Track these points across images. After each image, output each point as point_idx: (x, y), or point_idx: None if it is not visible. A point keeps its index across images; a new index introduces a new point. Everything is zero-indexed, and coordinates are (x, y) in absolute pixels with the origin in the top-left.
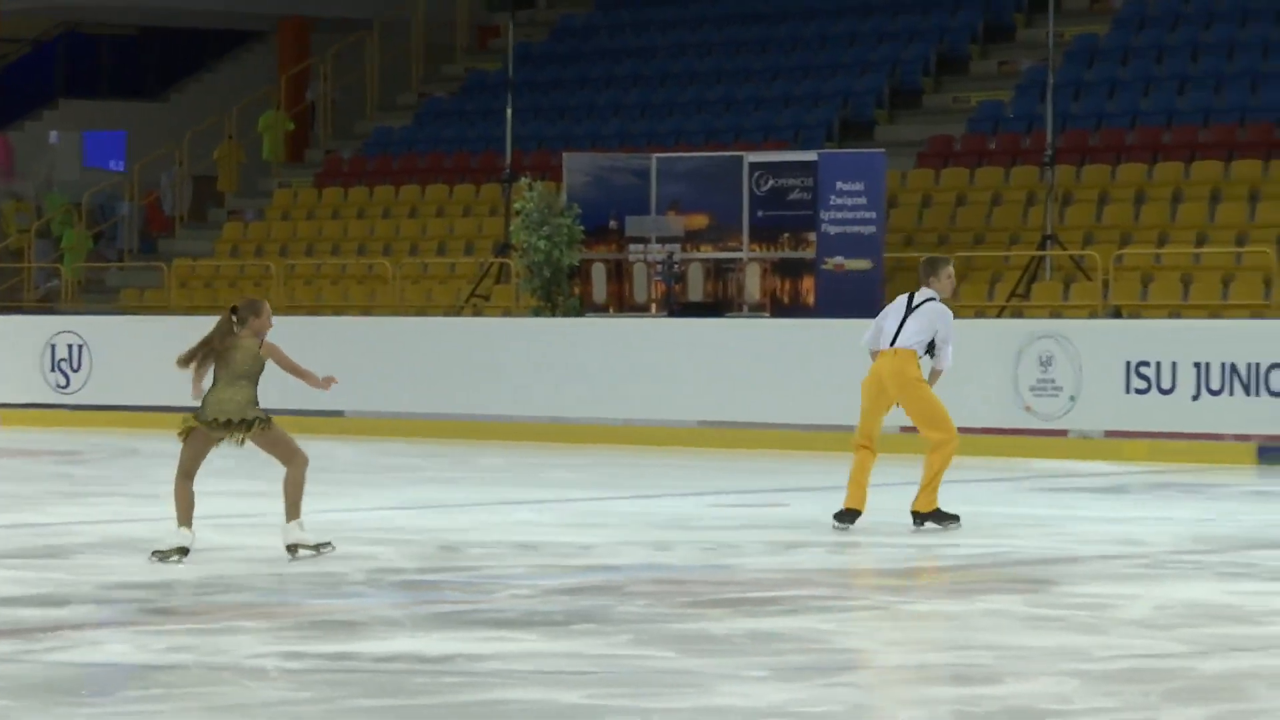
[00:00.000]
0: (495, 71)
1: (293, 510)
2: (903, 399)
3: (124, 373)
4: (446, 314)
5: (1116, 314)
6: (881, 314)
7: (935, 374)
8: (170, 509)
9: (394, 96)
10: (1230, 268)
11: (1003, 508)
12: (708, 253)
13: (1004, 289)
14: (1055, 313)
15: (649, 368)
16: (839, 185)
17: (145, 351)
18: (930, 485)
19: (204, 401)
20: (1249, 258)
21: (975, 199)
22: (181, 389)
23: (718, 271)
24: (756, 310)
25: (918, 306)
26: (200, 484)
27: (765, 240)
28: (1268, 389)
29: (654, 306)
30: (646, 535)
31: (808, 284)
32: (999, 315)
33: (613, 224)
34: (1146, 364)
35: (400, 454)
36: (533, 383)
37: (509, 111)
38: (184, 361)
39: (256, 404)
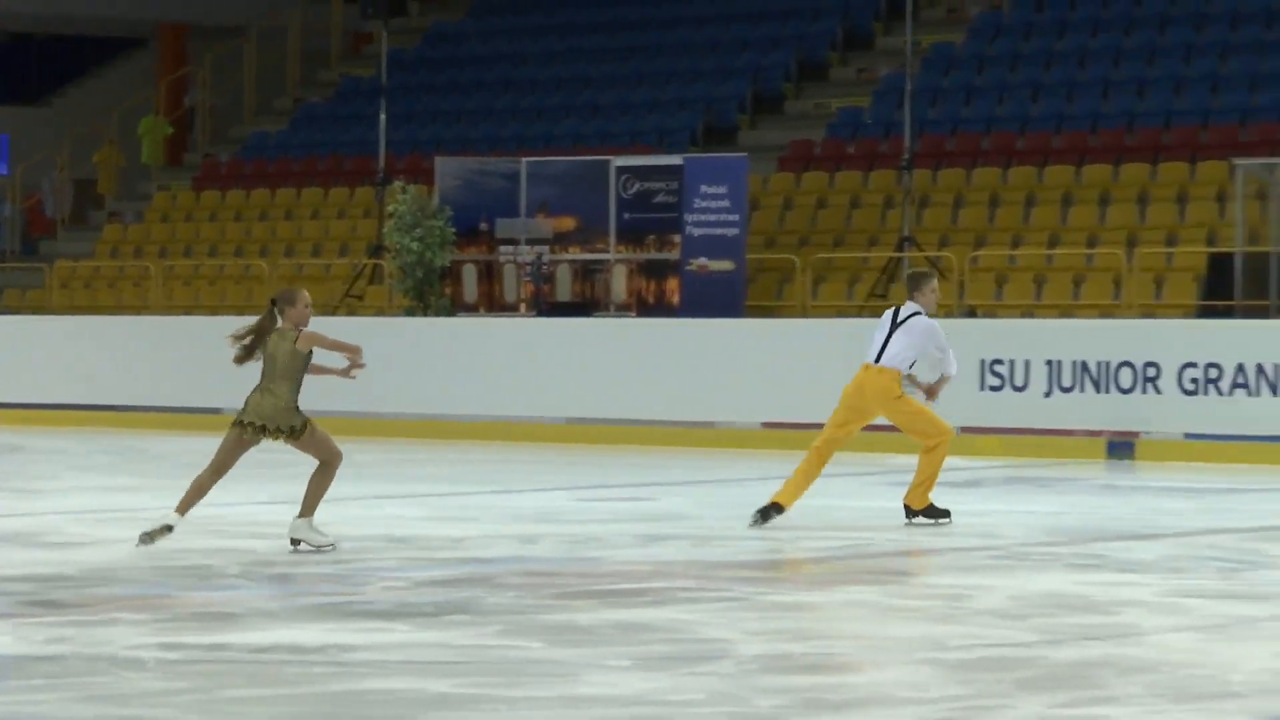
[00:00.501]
0: (369, 77)
1: (308, 507)
2: (890, 416)
3: (6, 371)
4: (321, 314)
5: (971, 313)
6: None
7: (944, 380)
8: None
9: (270, 102)
10: (1081, 269)
11: (862, 502)
12: (575, 254)
13: (863, 289)
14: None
15: (518, 366)
16: (703, 188)
17: (27, 350)
18: (923, 483)
19: (247, 401)
20: (1099, 259)
21: (835, 202)
22: (68, 388)
23: (585, 272)
24: (623, 310)
25: (903, 321)
26: (82, 479)
27: (631, 242)
28: (1117, 386)
29: (523, 306)
30: (515, 529)
31: (672, 284)
32: (858, 315)
33: (483, 226)
34: (1000, 362)
35: (276, 450)
36: (405, 381)
37: (382, 116)
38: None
39: (296, 407)
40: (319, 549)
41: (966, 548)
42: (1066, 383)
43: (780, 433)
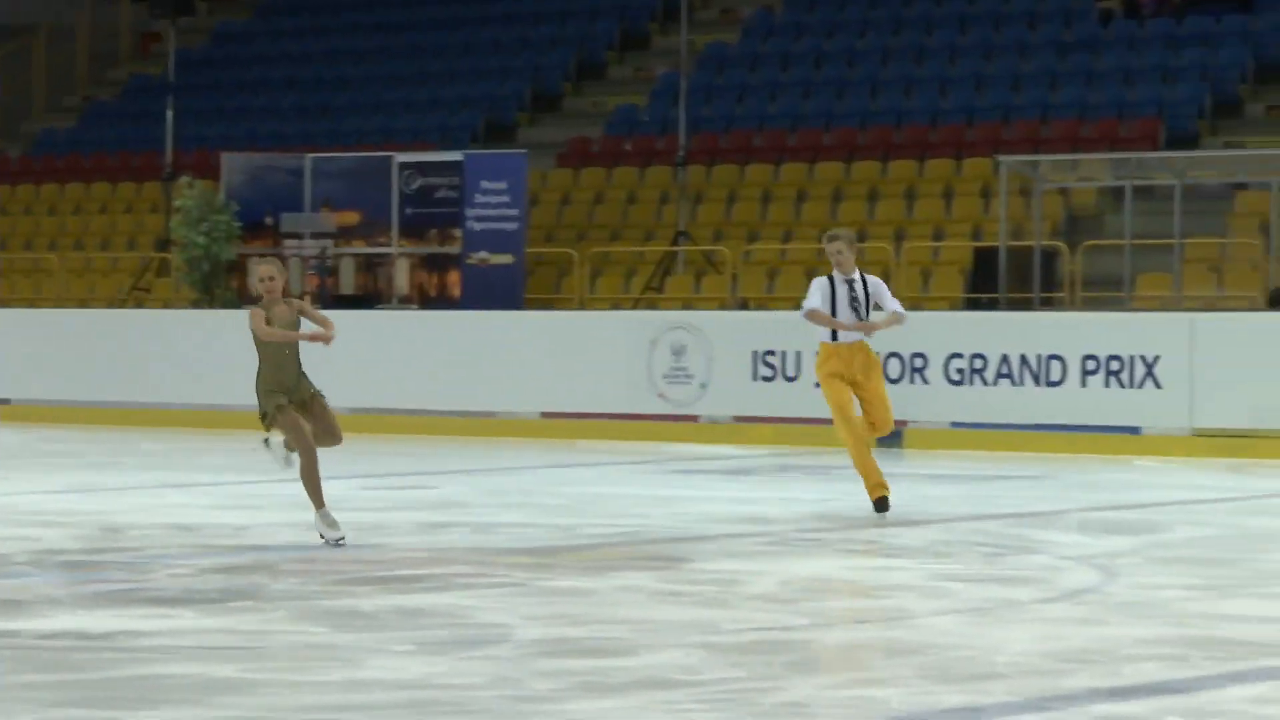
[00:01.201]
0: (157, 75)
1: (314, 499)
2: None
3: None
4: (109, 306)
5: (744, 306)
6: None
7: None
8: None
9: (60, 99)
10: None
11: (637, 489)
12: (359, 248)
13: (639, 282)
14: (687, 305)
15: (302, 357)
16: (483, 184)
17: None
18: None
19: (276, 387)
20: (868, 253)
21: (612, 197)
22: None
23: (369, 266)
24: (405, 303)
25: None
26: None
27: (414, 236)
28: (886, 376)
29: (308, 299)
30: (299, 516)
31: (454, 278)
32: (634, 307)
33: (269, 220)
34: (772, 353)
35: (64, 440)
36: (192, 372)
37: (170, 114)
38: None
39: (269, 390)
40: (334, 543)
41: (738, 534)
42: None
43: (558, 422)
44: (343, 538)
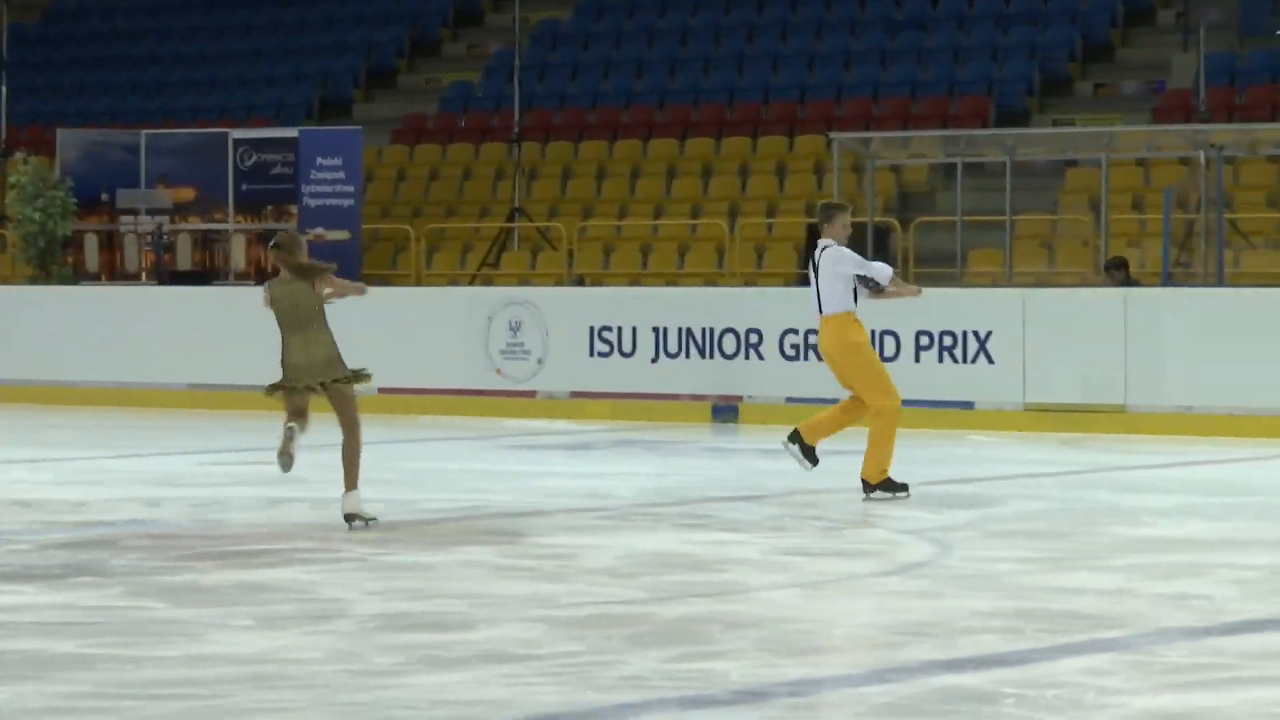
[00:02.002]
0: None
1: (353, 478)
2: (841, 366)
3: None
4: None
5: (580, 282)
6: None
7: (890, 290)
8: None
9: None
10: (686, 239)
11: (476, 465)
12: (195, 224)
13: (475, 258)
14: (524, 280)
15: (140, 333)
16: (319, 161)
17: None
18: (873, 454)
19: (287, 365)
20: (703, 229)
21: (447, 174)
22: None
23: (205, 242)
24: (242, 278)
25: (818, 264)
26: None
27: (250, 212)
28: (721, 352)
29: (144, 275)
30: (139, 492)
31: None
32: (471, 283)
33: (104, 197)
34: (609, 329)
35: None
36: (29, 348)
37: (3, 89)
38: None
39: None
40: (368, 523)
41: (577, 508)
42: (673, 349)
43: (397, 398)
44: (374, 518)
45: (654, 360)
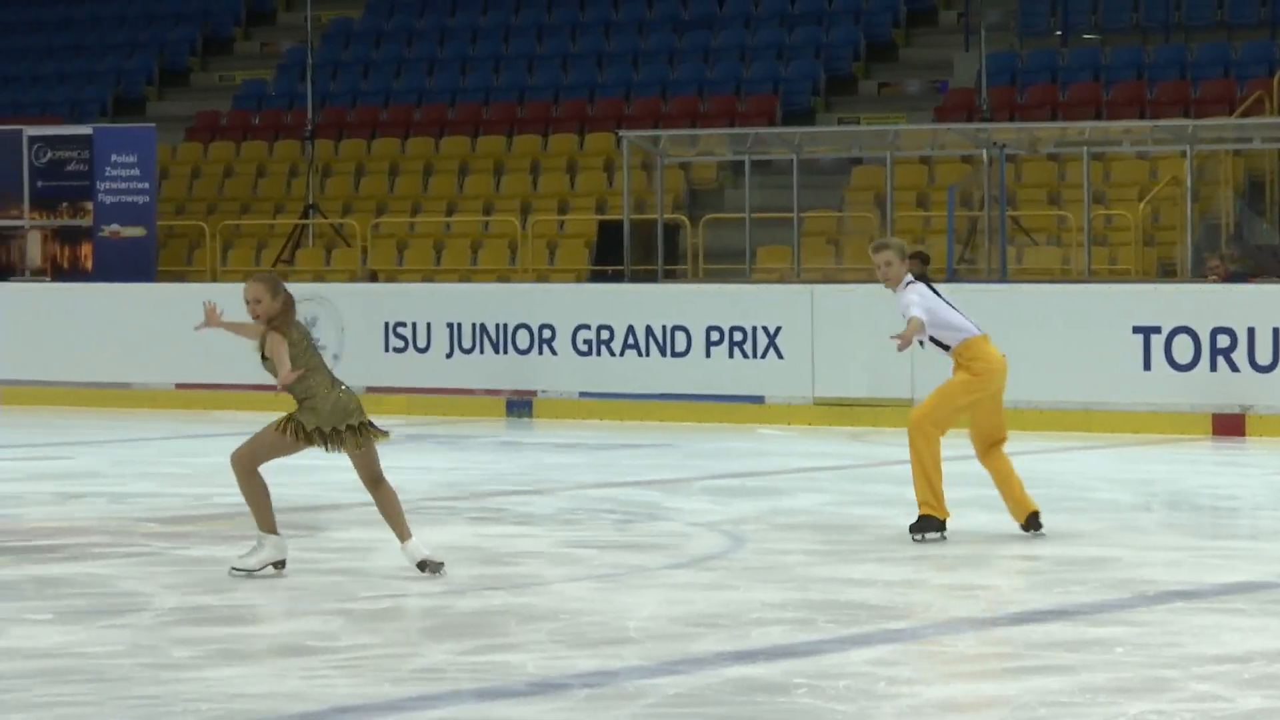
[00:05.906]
0: None
1: (405, 528)
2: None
3: None
4: None
5: (374, 278)
6: None
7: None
8: None
9: None
10: (478, 235)
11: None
12: None
13: (270, 255)
14: (319, 277)
15: None
16: (114, 158)
17: None
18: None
19: (320, 407)
20: (495, 226)
21: (242, 171)
22: None
23: (0, 239)
24: (38, 275)
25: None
26: None
27: (45, 209)
28: (515, 347)
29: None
30: None
31: (86, 250)
32: None
33: None
34: (403, 324)
35: None
36: None
37: None
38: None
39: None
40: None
41: (372, 502)
42: (467, 344)
43: (193, 393)
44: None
45: (448, 355)
